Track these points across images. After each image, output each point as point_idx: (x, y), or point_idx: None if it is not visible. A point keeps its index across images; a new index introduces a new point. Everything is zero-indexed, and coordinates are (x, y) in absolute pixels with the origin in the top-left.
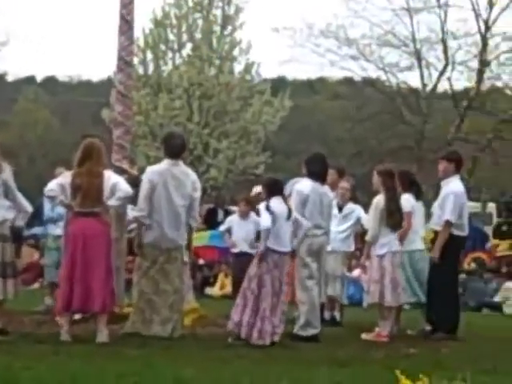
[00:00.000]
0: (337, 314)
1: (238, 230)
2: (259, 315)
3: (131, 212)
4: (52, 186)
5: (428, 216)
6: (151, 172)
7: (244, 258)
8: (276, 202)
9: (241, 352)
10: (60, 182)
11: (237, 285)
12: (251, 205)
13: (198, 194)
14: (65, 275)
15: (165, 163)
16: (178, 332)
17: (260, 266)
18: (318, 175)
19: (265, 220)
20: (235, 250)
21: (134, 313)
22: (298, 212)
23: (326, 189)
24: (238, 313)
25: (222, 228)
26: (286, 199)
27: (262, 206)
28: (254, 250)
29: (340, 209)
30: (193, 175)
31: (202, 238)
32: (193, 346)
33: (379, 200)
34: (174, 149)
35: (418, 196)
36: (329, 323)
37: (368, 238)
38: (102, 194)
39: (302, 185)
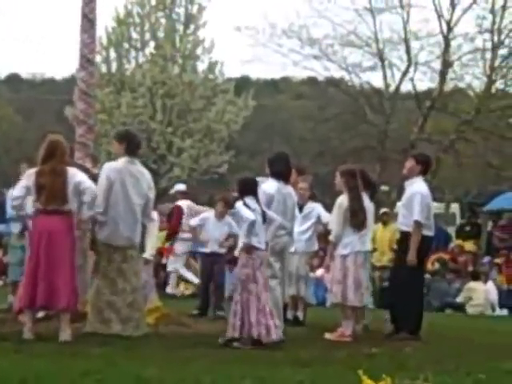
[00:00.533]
0: (300, 314)
1: (213, 229)
2: (262, 312)
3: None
4: (17, 192)
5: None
6: (109, 169)
7: (214, 258)
8: (250, 202)
9: (204, 351)
10: (24, 185)
11: (203, 283)
12: (228, 205)
13: (153, 194)
14: (28, 272)
15: (122, 161)
16: (142, 331)
17: (249, 264)
18: (282, 175)
19: (248, 213)
20: (206, 250)
21: (91, 312)
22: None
23: (289, 189)
24: (238, 316)
25: (193, 222)
26: (258, 199)
27: (238, 204)
28: (223, 249)
29: (300, 209)
30: (148, 174)
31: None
32: (156, 344)
33: (342, 200)
34: (133, 147)
35: (373, 196)
36: (292, 323)
37: (331, 237)
38: (65, 192)
39: (268, 185)
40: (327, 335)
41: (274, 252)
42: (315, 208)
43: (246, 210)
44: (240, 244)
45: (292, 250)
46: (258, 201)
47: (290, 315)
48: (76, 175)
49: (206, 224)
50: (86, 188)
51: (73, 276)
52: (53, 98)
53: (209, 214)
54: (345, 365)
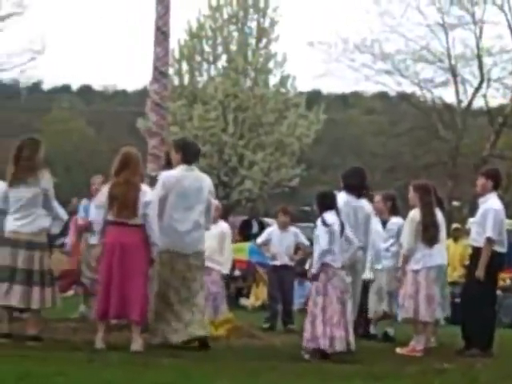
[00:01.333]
0: (390, 330)
1: (278, 242)
2: (328, 323)
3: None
4: (102, 198)
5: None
6: (165, 176)
7: (284, 271)
8: (329, 216)
9: (275, 364)
10: (97, 204)
11: (272, 297)
12: (290, 215)
13: (213, 198)
14: (102, 283)
15: (180, 168)
16: (206, 330)
17: (320, 278)
18: (354, 188)
19: (323, 240)
20: (276, 263)
21: (158, 323)
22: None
23: (362, 203)
24: (309, 329)
25: (259, 240)
26: (339, 213)
27: (318, 222)
28: (293, 262)
29: (384, 224)
30: (208, 179)
31: (240, 251)
32: (226, 356)
33: (414, 214)
34: (190, 156)
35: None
36: (382, 339)
37: (404, 252)
38: (137, 204)
39: (339, 197)
40: (399, 350)
41: (344, 266)
42: (398, 224)
43: (324, 233)
44: (313, 262)
45: (379, 266)
46: (338, 214)
47: (374, 331)
48: (146, 194)
49: (272, 238)
50: (148, 214)
51: (145, 287)
52: (124, 110)
53: (271, 228)
54: (416, 380)
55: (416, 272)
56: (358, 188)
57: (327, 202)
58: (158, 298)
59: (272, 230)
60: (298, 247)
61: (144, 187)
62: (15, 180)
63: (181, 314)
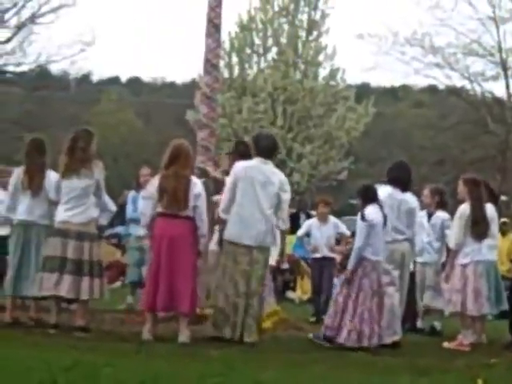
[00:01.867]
0: (437, 324)
1: (318, 234)
2: (358, 318)
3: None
4: (142, 204)
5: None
6: (238, 166)
7: (325, 262)
8: (372, 210)
9: (319, 356)
10: (145, 196)
11: (315, 290)
12: (330, 206)
13: (287, 196)
14: (150, 275)
15: (254, 160)
16: (253, 338)
17: (357, 270)
18: (398, 182)
19: (360, 236)
20: (317, 255)
21: (217, 316)
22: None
23: (406, 196)
24: (332, 317)
25: (299, 233)
26: (381, 206)
27: (358, 216)
28: (334, 253)
29: (429, 217)
30: (281, 175)
31: (288, 244)
32: (273, 348)
33: (464, 209)
34: (264, 149)
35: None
36: (428, 333)
37: (452, 246)
38: (187, 197)
39: (380, 190)
40: (446, 344)
41: (392, 259)
42: (442, 218)
43: (361, 232)
44: (351, 258)
45: (421, 260)
46: (381, 207)
47: (421, 325)
48: (196, 186)
49: (312, 230)
50: (198, 206)
51: (194, 280)
52: (173, 102)
53: (311, 220)
54: (463, 374)
55: (464, 266)
56: (402, 181)
57: (369, 196)
58: (219, 290)
59: (312, 221)
60: (340, 237)
61: (194, 179)
62: (69, 171)
63: (238, 307)
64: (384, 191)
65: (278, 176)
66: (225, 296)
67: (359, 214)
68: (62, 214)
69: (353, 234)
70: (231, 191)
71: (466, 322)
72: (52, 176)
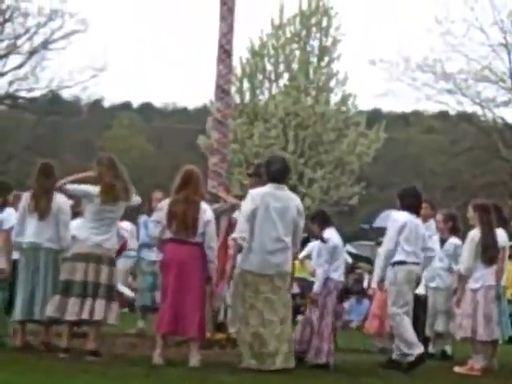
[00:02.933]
0: (448, 348)
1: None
2: (319, 336)
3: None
4: (152, 227)
5: None
6: (254, 194)
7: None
8: (331, 233)
9: (329, 381)
10: (155, 219)
11: None
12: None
13: (302, 221)
14: (161, 300)
15: (268, 186)
16: (291, 363)
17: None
18: (413, 208)
19: (322, 262)
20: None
21: (243, 348)
22: (392, 240)
23: (419, 222)
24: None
25: (301, 255)
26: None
27: (317, 240)
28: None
29: (442, 243)
30: (297, 200)
31: (298, 268)
32: (285, 371)
33: (475, 234)
34: (275, 173)
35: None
36: (439, 357)
37: (462, 271)
38: (197, 222)
39: (399, 214)
40: (457, 369)
41: (409, 280)
42: (455, 244)
43: (324, 256)
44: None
45: (433, 285)
46: (336, 230)
47: (432, 350)
48: (206, 212)
49: (313, 252)
50: (207, 232)
51: (202, 305)
52: (184, 128)
53: (314, 242)
54: None
55: (475, 291)
56: (415, 207)
57: (326, 219)
58: (241, 321)
59: (314, 244)
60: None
61: (204, 205)
62: (111, 197)
63: (264, 338)
64: (403, 215)
65: (294, 202)
66: (246, 326)
67: (319, 237)
68: (93, 237)
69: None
70: (250, 219)
71: (477, 347)
72: (61, 199)
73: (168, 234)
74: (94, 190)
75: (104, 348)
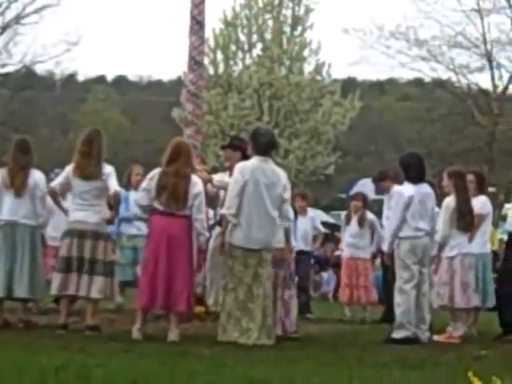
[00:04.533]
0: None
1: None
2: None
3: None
4: (140, 195)
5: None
6: (242, 168)
7: (300, 257)
8: None
9: (310, 353)
10: (145, 188)
11: (298, 284)
12: (307, 199)
13: (288, 195)
14: (147, 274)
15: (255, 160)
16: (273, 339)
17: None
18: (418, 178)
19: None
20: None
21: (227, 321)
22: (398, 217)
23: (428, 189)
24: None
25: None
26: None
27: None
28: (310, 248)
29: None
30: (283, 174)
31: None
32: (264, 345)
33: (450, 202)
34: (262, 146)
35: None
36: None
37: (438, 239)
38: (187, 195)
39: (405, 187)
40: (436, 337)
41: (414, 254)
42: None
43: None
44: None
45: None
46: None
47: None
48: (196, 185)
49: None
50: (197, 205)
51: (192, 279)
52: (159, 100)
53: None
54: (454, 367)
55: (451, 259)
56: (421, 177)
57: None
58: (228, 294)
59: None
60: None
61: (195, 178)
62: (85, 172)
63: (254, 313)
64: (409, 188)
65: (281, 176)
66: (234, 300)
67: None
68: (76, 214)
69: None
70: (239, 194)
71: (455, 315)
72: (37, 175)
73: (157, 206)
74: (68, 168)
75: (82, 325)
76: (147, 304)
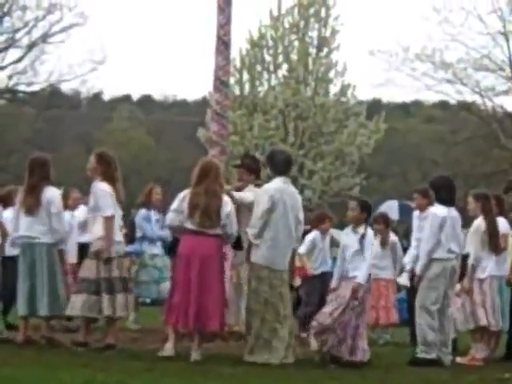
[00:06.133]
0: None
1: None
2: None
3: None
4: (171, 216)
5: None
6: (272, 189)
7: (325, 278)
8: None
9: (333, 373)
10: (176, 208)
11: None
12: (332, 221)
13: (302, 216)
14: (179, 293)
15: (278, 181)
16: (294, 358)
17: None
18: (450, 201)
19: None
20: (319, 271)
21: (255, 343)
22: (433, 237)
23: (456, 213)
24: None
25: (302, 250)
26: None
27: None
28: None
29: None
30: (299, 196)
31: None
32: (288, 365)
33: (479, 223)
34: (280, 165)
35: None
36: None
37: (471, 261)
38: (219, 213)
39: (438, 209)
40: (459, 359)
41: (443, 276)
42: None
43: None
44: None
45: None
46: None
47: None
48: (227, 204)
49: (317, 244)
50: (228, 224)
51: (224, 297)
52: (184, 120)
53: (313, 234)
54: None
55: (482, 281)
56: (452, 199)
57: None
58: (254, 316)
59: (314, 237)
60: None
61: (225, 197)
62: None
63: (281, 333)
64: (442, 209)
65: (298, 197)
66: (261, 321)
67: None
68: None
69: None
70: (266, 215)
71: (477, 337)
72: (51, 192)
73: (189, 226)
74: None
75: (101, 342)
76: (179, 322)
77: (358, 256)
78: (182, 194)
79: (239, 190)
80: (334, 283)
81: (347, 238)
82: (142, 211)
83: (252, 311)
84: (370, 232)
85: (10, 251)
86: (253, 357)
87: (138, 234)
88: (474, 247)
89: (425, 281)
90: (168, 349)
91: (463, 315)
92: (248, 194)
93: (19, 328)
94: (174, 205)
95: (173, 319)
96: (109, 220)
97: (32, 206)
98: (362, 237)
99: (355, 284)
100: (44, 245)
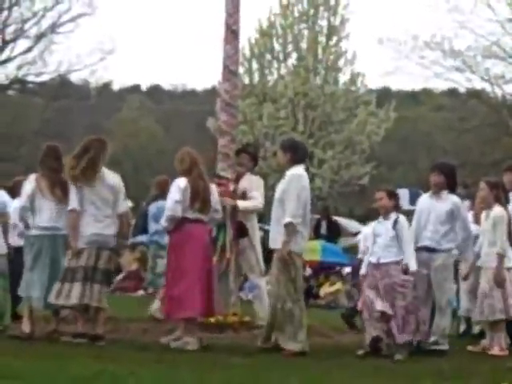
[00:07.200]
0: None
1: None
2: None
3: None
4: (177, 207)
5: None
6: (303, 176)
7: None
8: None
9: (344, 362)
10: (181, 199)
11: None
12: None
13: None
14: (196, 282)
15: (301, 169)
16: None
17: None
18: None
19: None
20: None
21: (298, 330)
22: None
23: (458, 199)
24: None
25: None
26: None
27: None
28: None
29: None
30: None
31: (313, 252)
32: (298, 354)
33: (502, 213)
34: (303, 156)
35: None
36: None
37: (500, 250)
38: (211, 200)
39: (454, 197)
40: (470, 347)
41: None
42: None
43: None
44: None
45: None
46: None
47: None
48: (215, 192)
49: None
50: (219, 211)
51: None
52: (193, 109)
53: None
54: (487, 378)
55: (509, 270)
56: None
57: None
58: (296, 304)
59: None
60: None
61: (212, 186)
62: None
63: (302, 319)
64: (457, 199)
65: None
66: (300, 309)
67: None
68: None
69: None
70: (301, 201)
71: (500, 327)
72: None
73: (188, 215)
74: None
75: (117, 333)
76: (206, 312)
77: (393, 242)
78: (180, 184)
79: (239, 176)
80: (363, 270)
81: (378, 226)
82: (160, 202)
83: (294, 300)
84: (402, 217)
85: (15, 241)
86: (297, 345)
87: (153, 225)
88: (500, 236)
89: (451, 274)
90: (196, 342)
91: (488, 306)
92: (250, 203)
93: (26, 320)
94: (177, 196)
95: (202, 310)
96: (69, 213)
97: (63, 197)
98: (395, 222)
99: (410, 273)
100: (64, 237)
